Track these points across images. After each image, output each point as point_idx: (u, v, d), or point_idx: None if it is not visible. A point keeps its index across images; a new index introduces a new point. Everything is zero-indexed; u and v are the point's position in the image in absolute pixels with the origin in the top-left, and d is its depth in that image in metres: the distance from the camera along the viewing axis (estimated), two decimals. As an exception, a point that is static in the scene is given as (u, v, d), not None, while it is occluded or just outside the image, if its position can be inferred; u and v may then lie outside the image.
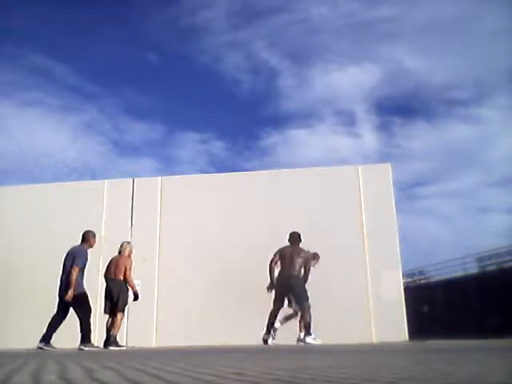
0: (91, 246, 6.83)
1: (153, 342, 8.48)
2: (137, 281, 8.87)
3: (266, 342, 6.69)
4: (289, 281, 6.84)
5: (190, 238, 8.96)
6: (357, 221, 8.60)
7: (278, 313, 6.84)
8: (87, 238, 6.80)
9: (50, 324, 6.48)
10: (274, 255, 7.00)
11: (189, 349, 5.71)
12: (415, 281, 19.49)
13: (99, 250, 8.18)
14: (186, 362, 2.28)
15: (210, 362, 2.28)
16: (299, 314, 6.84)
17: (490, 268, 16.26)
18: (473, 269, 16.98)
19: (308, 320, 6.65)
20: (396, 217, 8.65)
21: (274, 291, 6.89)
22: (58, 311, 6.57)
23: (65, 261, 6.62)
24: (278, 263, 6.98)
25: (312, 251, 7.18)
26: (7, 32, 26.74)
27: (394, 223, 8.57)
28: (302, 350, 3.98)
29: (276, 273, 6.97)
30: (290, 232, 7.22)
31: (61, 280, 6.57)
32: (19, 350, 6.85)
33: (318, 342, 6.53)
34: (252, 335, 7.01)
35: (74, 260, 6.47)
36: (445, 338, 8.78)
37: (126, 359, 2.80)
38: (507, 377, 1.37)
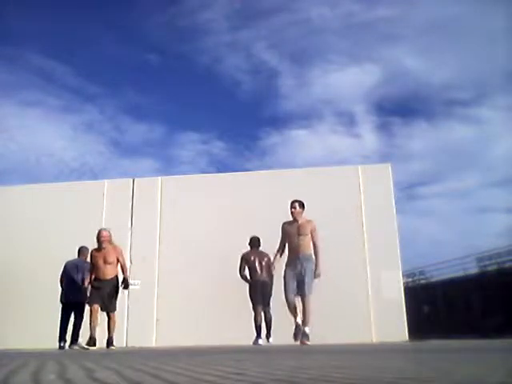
0: (86, 259, 7.58)
1: (153, 342, 8.49)
2: (136, 280, 8.88)
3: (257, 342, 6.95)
4: (266, 285, 7.07)
5: (190, 237, 8.95)
6: (357, 221, 8.60)
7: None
8: (84, 252, 7.59)
9: (73, 327, 7.29)
10: (241, 263, 7.22)
11: (189, 349, 5.71)
12: (415, 281, 19.49)
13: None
14: (185, 362, 2.28)
15: (210, 362, 2.28)
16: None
17: (490, 268, 16.25)
18: (473, 269, 16.97)
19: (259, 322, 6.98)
20: (396, 217, 8.66)
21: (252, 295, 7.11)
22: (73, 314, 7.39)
23: (72, 270, 7.46)
24: (246, 268, 7.25)
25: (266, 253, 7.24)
26: (7, 32, 26.75)
27: (393, 223, 8.58)
28: (302, 350, 3.98)
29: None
30: (250, 237, 7.37)
31: (66, 287, 7.40)
32: (19, 350, 6.85)
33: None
34: (252, 335, 7.01)
35: (85, 274, 7.32)
36: (445, 338, 8.78)
37: (126, 359, 2.80)
38: (507, 377, 1.37)
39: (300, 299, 6.06)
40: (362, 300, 8.14)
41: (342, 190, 8.90)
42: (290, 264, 6.10)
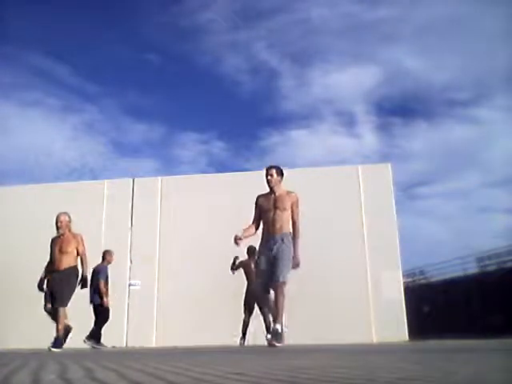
0: (109, 262, 7.83)
1: (153, 342, 8.49)
2: (136, 280, 8.89)
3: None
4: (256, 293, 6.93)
5: (190, 237, 8.96)
6: (357, 221, 8.60)
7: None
8: (104, 256, 7.84)
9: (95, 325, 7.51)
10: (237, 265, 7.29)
11: (189, 349, 5.71)
12: (415, 281, 19.49)
13: (99, 250, 8.19)
14: (186, 362, 2.28)
15: (210, 362, 2.28)
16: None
17: (489, 268, 16.26)
18: (473, 269, 16.99)
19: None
20: (396, 217, 8.67)
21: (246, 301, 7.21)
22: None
23: (91, 275, 7.51)
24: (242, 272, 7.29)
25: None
26: (7, 32, 26.75)
27: (394, 223, 8.58)
28: (302, 350, 3.98)
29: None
30: (248, 246, 7.14)
31: (90, 292, 7.45)
32: (19, 350, 6.85)
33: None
34: (252, 335, 7.02)
35: (98, 276, 7.55)
36: (445, 338, 8.77)
37: (126, 359, 2.80)
38: (507, 377, 1.37)
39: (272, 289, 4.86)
40: (362, 300, 8.14)
41: (342, 189, 8.90)
42: (264, 246, 4.89)
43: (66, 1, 28.85)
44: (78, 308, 7.85)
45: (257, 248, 5.31)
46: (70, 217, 6.25)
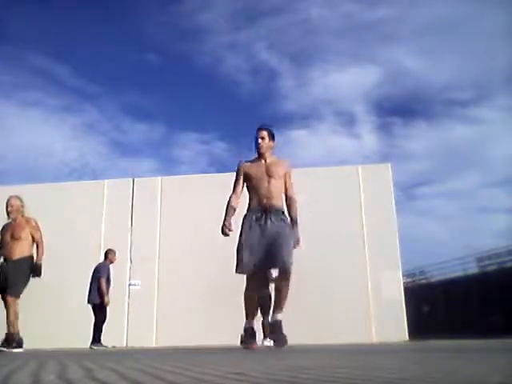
0: (112, 262, 7.81)
1: (153, 342, 8.48)
2: (136, 280, 8.88)
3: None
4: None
5: (190, 237, 8.95)
6: (357, 221, 8.60)
7: None
8: (106, 255, 7.85)
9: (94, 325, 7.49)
10: None
11: (189, 349, 5.71)
12: (415, 281, 19.51)
13: (99, 250, 8.20)
14: (186, 362, 2.28)
15: (210, 362, 2.28)
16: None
17: (490, 268, 16.27)
18: (473, 269, 17.01)
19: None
20: (396, 217, 8.67)
21: None
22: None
23: (92, 273, 7.69)
24: None
25: None
26: (7, 32, 26.76)
27: (393, 223, 8.58)
28: (302, 350, 3.98)
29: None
30: None
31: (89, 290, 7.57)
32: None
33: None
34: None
35: (98, 275, 7.56)
36: (445, 338, 8.77)
37: (126, 359, 2.79)
38: (508, 377, 1.37)
39: (272, 277, 4.16)
40: (362, 300, 8.14)
41: (342, 189, 8.90)
42: (251, 219, 4.07)
43: (65, 1, 28.86)
44: (76, 308, 7.86)
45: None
46: (21, 200, 5.77)
